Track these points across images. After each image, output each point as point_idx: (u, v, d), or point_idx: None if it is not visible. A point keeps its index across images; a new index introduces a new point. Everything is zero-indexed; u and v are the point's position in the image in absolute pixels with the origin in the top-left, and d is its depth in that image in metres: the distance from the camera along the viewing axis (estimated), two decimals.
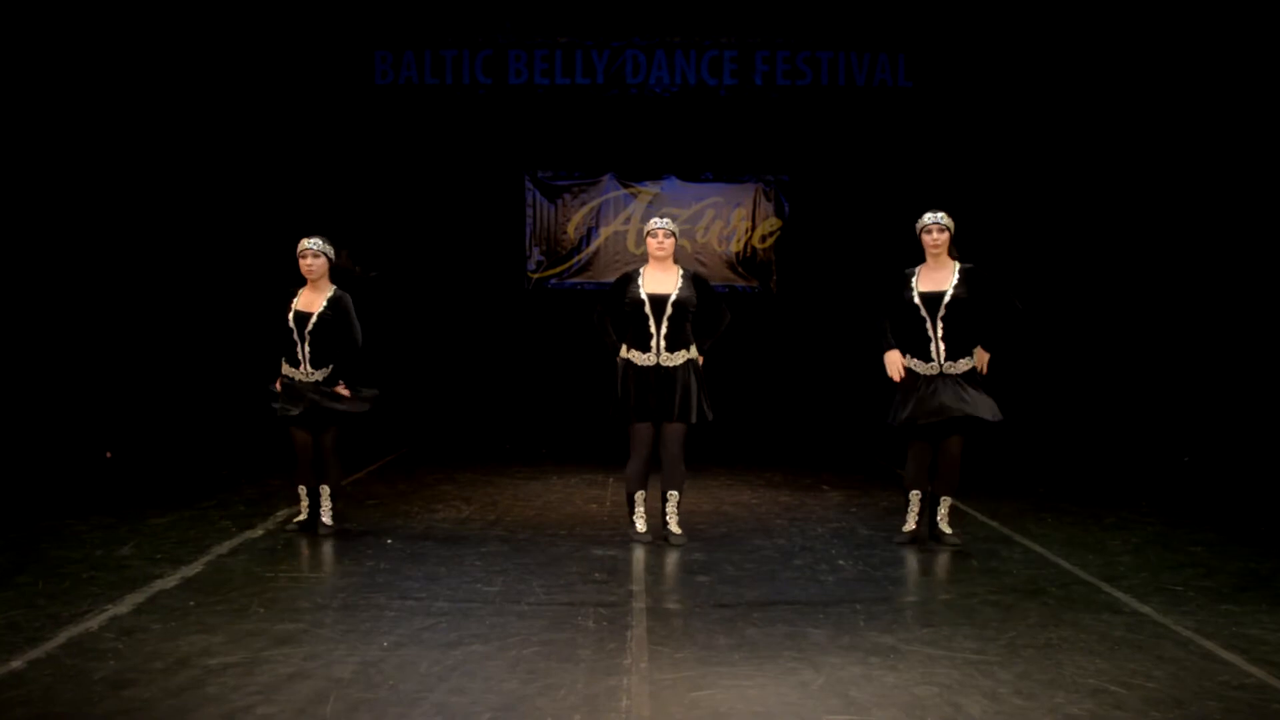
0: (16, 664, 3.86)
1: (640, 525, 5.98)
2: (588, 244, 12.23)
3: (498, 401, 11.90)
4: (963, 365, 5.67)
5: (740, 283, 12.36)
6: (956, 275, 5.66)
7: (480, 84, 11.96)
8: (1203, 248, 10.50)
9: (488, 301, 12.10)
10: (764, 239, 12.41)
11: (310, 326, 5.91)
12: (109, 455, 9.13)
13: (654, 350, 5.76)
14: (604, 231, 12.32)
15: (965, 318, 5.67)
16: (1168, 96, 10.69)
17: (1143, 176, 11.01)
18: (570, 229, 12.33)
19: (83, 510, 6.59)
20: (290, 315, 5.93)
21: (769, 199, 12.40)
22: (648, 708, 3.51)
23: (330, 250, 5.99)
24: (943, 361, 5.65)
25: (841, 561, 5.59)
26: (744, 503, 7.34)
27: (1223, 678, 3.80)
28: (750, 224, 12.39)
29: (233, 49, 11.11)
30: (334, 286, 6.01)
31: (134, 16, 10.38)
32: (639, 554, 5.74)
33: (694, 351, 5.84)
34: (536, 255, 12.41)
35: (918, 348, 5.72)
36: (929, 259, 5.74)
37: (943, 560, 5.64)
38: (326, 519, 6.11)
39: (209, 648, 4.06)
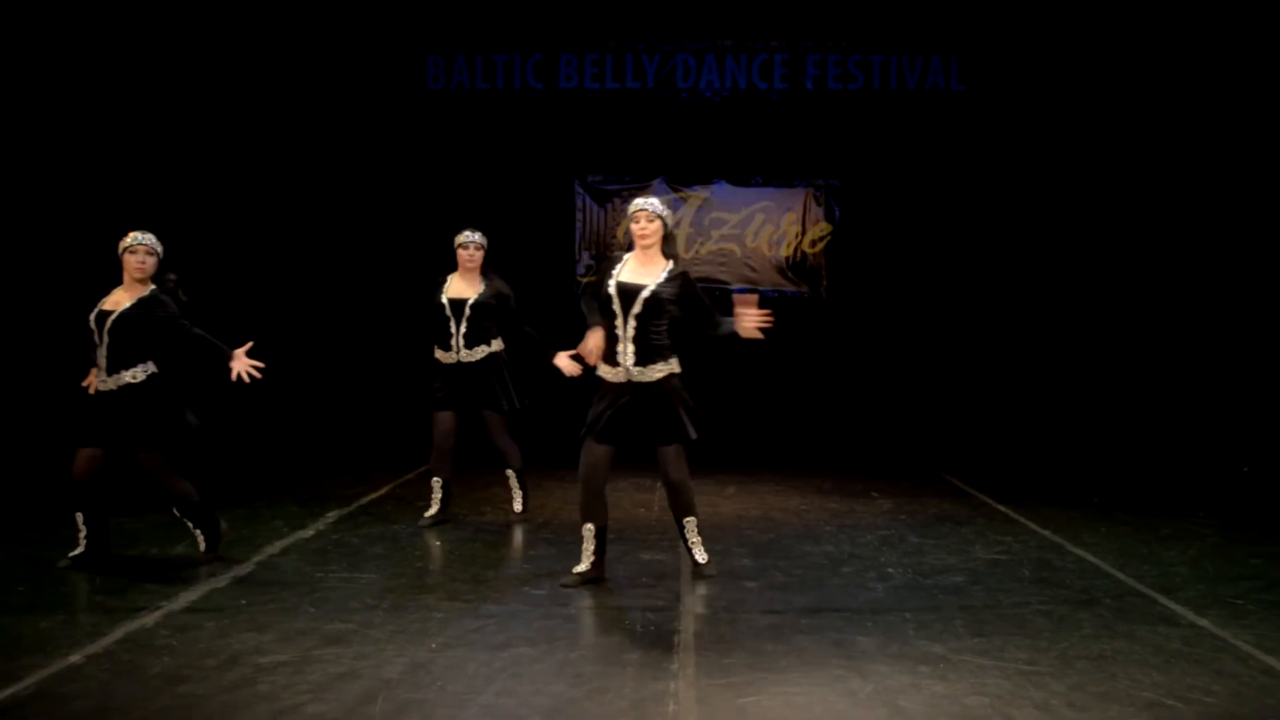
0: (75, 658, 3.94)
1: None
2: None
3: (547, 405, 11.92)
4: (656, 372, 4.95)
5: (790, 288, 12.30)
6: (665, 273, 4.96)
7: (531, 88, 12.02)
8: (1272, 254, 10.27)
9: (537, 306, 12.12)
10: (814, 244, 12.34)
11: (110, 324, 5.32)
12: None
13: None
14: None
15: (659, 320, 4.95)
16: (1233, 99, 10.48)
17: (1206, 180, 10.80)
18: (620, 233, 12.34)
19: (138, 509, 6.70)
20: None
21: (819, 204, 12.33)
22: (695, 713, 3.50)
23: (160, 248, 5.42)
24: (631, 366, 4.94)
25: (891, 569, 5.54)
26: (792, 509, 7.30)
27: None
28: (800, 229, 12.33)
29: (288, 55, 11.27)
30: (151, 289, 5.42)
31: (190, 22, 10.57)
32: (687, 559, 5.72)
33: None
34: (586, 259, 12.44)
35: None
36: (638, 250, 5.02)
37: (994, 570, 5.57)
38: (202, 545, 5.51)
39: (260, 646, 4.12)
